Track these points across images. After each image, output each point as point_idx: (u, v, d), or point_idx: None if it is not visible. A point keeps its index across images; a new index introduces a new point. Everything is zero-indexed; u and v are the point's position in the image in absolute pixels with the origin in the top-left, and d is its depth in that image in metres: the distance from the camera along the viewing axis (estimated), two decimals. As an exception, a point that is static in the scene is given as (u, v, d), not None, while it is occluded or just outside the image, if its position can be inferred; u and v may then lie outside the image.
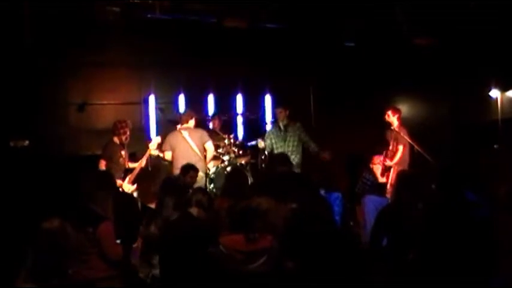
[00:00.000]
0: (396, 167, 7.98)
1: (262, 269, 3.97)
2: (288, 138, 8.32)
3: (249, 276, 3.94)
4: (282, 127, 8.36)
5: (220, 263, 4.00)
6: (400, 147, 8.20)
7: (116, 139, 7.52)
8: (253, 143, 8.80)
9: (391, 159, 8.12)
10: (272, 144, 8.37)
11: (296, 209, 4.67)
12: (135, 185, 7.54)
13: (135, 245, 5.51)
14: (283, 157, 6.90)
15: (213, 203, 5.24)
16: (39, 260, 3.79)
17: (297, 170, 7.91)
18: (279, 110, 8.45)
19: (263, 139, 8.42)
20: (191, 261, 4.31)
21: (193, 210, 4.86)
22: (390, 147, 8.29)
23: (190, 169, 6.82)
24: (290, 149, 8.26)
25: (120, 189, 7.28)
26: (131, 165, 7.61)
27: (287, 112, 8.40)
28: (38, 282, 3.78)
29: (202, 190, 5.68)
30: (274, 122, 8.54)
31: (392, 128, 8.38)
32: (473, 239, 4.05)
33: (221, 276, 3.97)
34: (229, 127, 9.01)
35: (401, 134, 8.24)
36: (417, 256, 4.22)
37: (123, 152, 7.54)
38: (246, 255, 3.99)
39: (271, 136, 8.41)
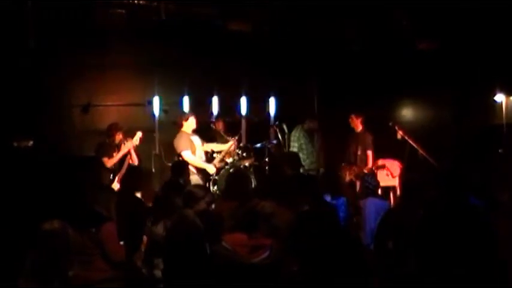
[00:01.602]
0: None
1: (265, 262, 3.98)
2: (315, 142, 8.62)
3: (252, 268, 3.95)
4: (307, 131, 8.64)
5: (223, 257, 4.01)
6: (369, 152, 8.32)
7: (107, 141, 7.77)
8: (259, 145, 8.81)
9: (362, 165, 8.19)
10: (301, 144, 8.57)
11: (305, 212, 4.66)
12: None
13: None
14: (293, 158, 6.92)
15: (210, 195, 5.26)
16: (39, 262, 3.79)
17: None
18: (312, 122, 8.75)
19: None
20: (193, 260, 4.32)
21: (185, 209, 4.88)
22: (359, 153, 8.36)
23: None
24: (311, 152, 8.57)
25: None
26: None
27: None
28: (38, 283, 3.77)
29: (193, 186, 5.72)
30: (299, 127, 8.74)
31: (357, 131, 8.50)
32: (476, 244, 4.03)
33: (225, 270, 3.97)
34: (233, 129, 9.00)
35: (368, 138, 8.36)
36: (419, 259, 4.21)
37: (114, 154, 7.67)
38: (249, 249, 4.01)
39: (302, 141, 8.61)
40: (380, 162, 8.51)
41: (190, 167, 7.59)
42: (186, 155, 7.64)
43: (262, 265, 3.99)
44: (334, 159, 8.92)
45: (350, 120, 8.67)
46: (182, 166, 7.20)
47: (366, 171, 8.27)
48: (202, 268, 4.17)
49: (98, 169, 7.63)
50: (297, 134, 8.66)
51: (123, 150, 7.71)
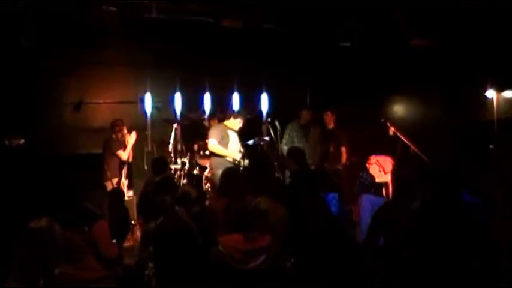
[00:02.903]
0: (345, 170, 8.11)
1: (261, 268, 3.97)
2: (310, 137, 8.64)
3: (249, 274, 3.94)
4: (303, 125, 8.68)
5: (219, 262, 3.99)
6: (343, 149, 8.41)
7: (114, 136, 7.91)
8: (251, 142, 8.79)
9: (335, 162, 8.26)
10: (293, 138, 8.61)
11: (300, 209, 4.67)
12: (127, 181, 7.95)
13: (129, 244, 5.50)
14: (298, 153, 6.93)
15: (204, 198, 5.24)
16: (25, 260, 3.76)
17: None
18: (305, 112, 8.81)
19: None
20: (185, 261, 4.30)
21: (178, 208, 4.88)
22: (331, 149, 8.40)
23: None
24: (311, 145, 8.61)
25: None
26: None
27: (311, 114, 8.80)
28: (23, 282, 3.75)
29: (188, 184, 5.69)
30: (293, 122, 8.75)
31: (329, 128, 8.58)
32: (469, 240, 4.05)
33: (221, 275, 3.96)
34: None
35: (344, 135, 8.44)
36: (412, 255, 4.21)
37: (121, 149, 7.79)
38: (245, 254, 3.99)
39: (293, 134, 8.63)
40: (372, 158, 8.52)
41: (214, 161, 7.62)
42: (211, 143, 7.61)
43: (258, 271, 3.98)
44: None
45: (325, 116, 8.76)
46: (161, 163, 7.26)
47: (339, 167, 8.42)
48: (196, 268, 4.16)
49: (99, 167, 7.69)
50: (290, 127, 8.66)
51: (131, 141, 7.95)
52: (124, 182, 7.90)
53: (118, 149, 7.85)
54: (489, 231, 4.19)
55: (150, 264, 4.99)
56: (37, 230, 3.86)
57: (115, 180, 7.73)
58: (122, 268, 4.82)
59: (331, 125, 8.75)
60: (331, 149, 8.55)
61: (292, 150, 7.52)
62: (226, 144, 7.68)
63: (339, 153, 8.55)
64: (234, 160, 7.65)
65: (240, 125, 7.85)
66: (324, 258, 3.90)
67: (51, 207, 4.98)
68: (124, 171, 7.91)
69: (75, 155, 8.25)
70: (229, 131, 7.76)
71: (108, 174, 7.62)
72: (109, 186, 7.46)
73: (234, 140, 7.81)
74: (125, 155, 7.88)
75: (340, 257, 3.93)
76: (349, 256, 3.99)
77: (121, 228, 5.53)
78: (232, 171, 6.47)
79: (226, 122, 7.85)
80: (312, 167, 8.30)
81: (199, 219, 4.72)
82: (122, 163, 7.92)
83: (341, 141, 8.58)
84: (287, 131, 8.72)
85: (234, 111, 8.04)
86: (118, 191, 6.86)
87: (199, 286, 4.12)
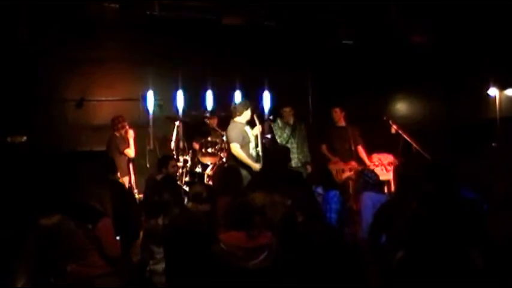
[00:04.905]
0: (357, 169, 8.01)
1: (263, 265, 3.98)
2: (295, 137, 8.41)
3: (251, 272, 3.95)
4: (289, 125, 8.45)
5: (221, 260, 4.00)
6: (360, 147, 8.34)
7: (117, 134, 7.84)
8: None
9: (354, 160, 8.16)
10: (279, 137, 8.44)
11: (291, 207, 4.69)
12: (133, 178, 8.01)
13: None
14: (282, 152, 6.90)
15: (215, 197, 5.26)
16: (37, 257, 3.76)
17: (302, 169, 8.02)
18: (288, 109, 8.52)
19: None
20: (192, 258, 4.31)
21: (189, 205, 4.90)
22: (352, 147, 8.26)
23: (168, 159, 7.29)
24: (295, 146, 8.37)
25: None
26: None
27: (293, 111, 8.53)
28: (34, 280, 3.75)
29: (199, 183, 5.69)
30: (278, 119, 8.56)
31: (341, 125, 8.43)
32: (469, 236, 4.05)
33: (223, 273, 3.97)
34: (226, 124, 8.99)
35: (356, 132, 8.35)
36: (408, 255, 4.21)
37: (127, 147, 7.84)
38: (247, 252, 4.00)
39: (279, 133, 8.45)
40: (375, 156, 8.51)
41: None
42: (234, 147, 7.24)
43: (260, 268, 3.99)
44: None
45: (334, 113, 8.48)
46: (164, 160, 7.26)
47: (372, 167, 8.25)
48: (201, 267, 4.16)
49: (106, 164, 7.69)
50: (275, 126, 8.52)
51: (132, 138, 7.99)
52: (133, 180, 7.95)
53: (125, 147, 7.87)
54: (489, 229, 4.19)
55: (151, 262, 5.03)
56: (51, 227, 3.85)
57: (126, 179, 7.74)
58: (126, 265, 4.84)
59: (341, 123, 8.48)
60: (352, 147, 8.38)
61: (278, 150, 7.48)
62: (247, 144, 7.35)
63: (358, 152, 8.38)
64: (253, 171, 7.22)
65: (249, 117, 7.47)
66: (312, 257, 3.90)
67: (54, 204, 4.99)
68: (131, 169, 7.95)
69: (78, 152, 8.25)
70: (245, 128, 7.45)
71: (119, 173, 7.59)
72: None
73: (251, 136, 7.50)
74: (132, 152, 7.96)
75: (328, 256, 3.93)
76: (339, 254, 4.00)
77: (131, 227, 5.53)
78: (232, 170, 6.48)
79: (238, 119, 7.44)
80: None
81: (208, 217, 4.75)
82: (129, 161, 7.95)
83: (357, 140, 8.39)
84: (274, 131, 8.54)
85: (241, 102, 7.76)
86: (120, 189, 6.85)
87: (202, 284, 4.13)
